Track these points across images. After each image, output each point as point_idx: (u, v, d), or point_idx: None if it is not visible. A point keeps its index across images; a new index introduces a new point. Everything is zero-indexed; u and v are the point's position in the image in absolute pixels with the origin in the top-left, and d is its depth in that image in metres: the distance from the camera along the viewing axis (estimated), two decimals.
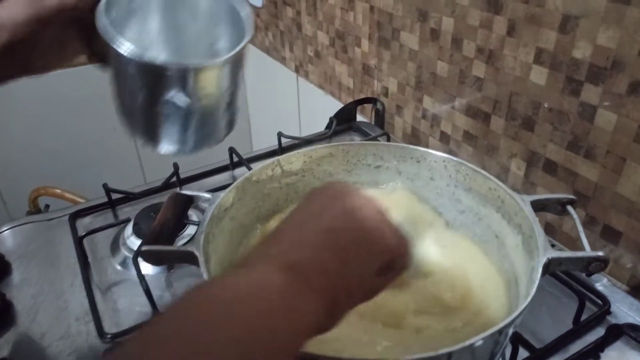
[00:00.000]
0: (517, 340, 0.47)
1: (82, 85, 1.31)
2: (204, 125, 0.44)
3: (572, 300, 0.55)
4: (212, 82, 0.41)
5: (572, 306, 0.54)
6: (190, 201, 0.49)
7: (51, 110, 1.31)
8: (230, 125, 0.47)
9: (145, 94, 0.41)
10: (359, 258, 0.31)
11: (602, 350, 0.50)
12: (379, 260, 0.32)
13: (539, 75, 0.61)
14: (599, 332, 0.52)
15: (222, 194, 0.48)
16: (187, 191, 0.50)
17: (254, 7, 1.33)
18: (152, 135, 0.44)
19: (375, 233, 0.32)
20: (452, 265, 0.48)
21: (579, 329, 0.52)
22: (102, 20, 0.39)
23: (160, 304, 0.56)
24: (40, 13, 0.37)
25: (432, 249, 0.51)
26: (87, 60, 0.47)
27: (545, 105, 0.61)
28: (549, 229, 0.64)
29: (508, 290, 0.45)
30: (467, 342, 0.33)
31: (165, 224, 0.46)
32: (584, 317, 0.53)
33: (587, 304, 0.54)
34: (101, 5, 0.40)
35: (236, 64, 0.42)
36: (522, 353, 0.48)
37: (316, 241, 0.31)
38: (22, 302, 0.59)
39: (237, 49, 0.40)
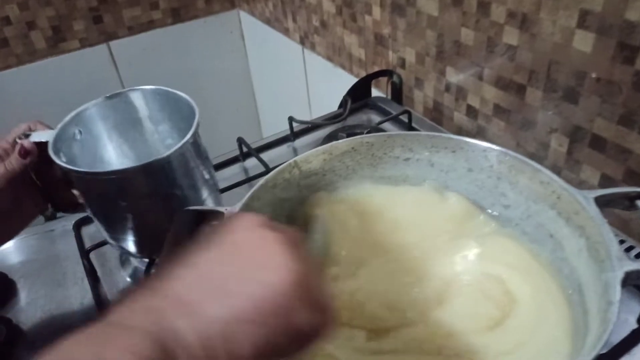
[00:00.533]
0: None
1: (77, 72, 1.25)
2: None
3: (634, 297, 0.50)
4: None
5: (633, 305, 0.49)
6: (201, 217, 0.44)
7: (45, 103, 1.25)
8: None
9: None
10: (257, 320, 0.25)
11: None
12: (284, 336, 0.26)
13: (583, 41, 0.53)
14: None
15: (237, 206, 0.43)
16: (197, 206, 0.44)
17: None
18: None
19: (282, 309, 0.26)
20: (494, 271, 0.42)
21: None
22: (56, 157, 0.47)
23: None
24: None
25: (468, 254, 0.46)
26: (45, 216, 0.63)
27: (593, 76, 0.54)
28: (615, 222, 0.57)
29: (568, 301, 0.39)
30: None
31: (175, 246, 0.41)
32: None
33: None
34: (50, 146, 0.48)
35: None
36: None
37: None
38: (29, 326, 0.55)
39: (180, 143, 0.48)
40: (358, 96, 0.87)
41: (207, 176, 0.55)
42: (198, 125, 0.50)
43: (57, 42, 1.23)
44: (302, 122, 0.79)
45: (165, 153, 0.47)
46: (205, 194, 0.55)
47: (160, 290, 0.26)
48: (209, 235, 0.29)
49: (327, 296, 0.29)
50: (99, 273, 0.60)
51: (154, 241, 0.44)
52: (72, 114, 0.53)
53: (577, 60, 0.55)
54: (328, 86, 1.11)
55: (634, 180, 0.55)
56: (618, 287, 0.32)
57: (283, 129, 0.81)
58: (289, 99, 1.32)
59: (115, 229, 0.53)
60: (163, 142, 0.60)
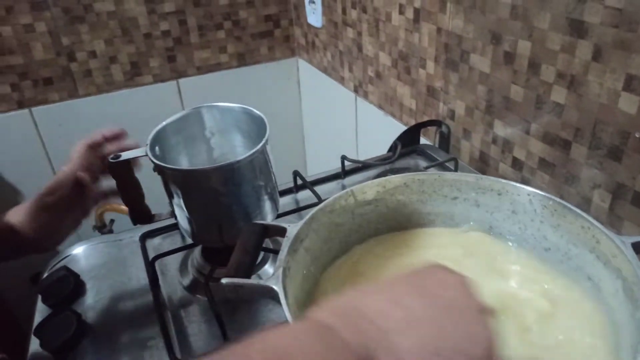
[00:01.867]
0: None
1: (147, 104, 1.36)
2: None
3: None
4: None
5: None
6: (265, 231, 0.49)
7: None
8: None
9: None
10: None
11: None
12: None
13: (628, 103, 0.57)
14: None
15: (299, 224, 0.48)
16: (262, 221, 0.49)
17: (312, 27, 1.34)
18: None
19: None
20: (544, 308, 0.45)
21: None
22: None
23: (230, 330, 0.56)
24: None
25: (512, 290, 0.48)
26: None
27: (637, 136, 0.57)
28: None
29: (607, 342, 0.41)
30: None
31: (244, 255, 0.45)
32: None
33: None
34: (149, 154, 0.57)
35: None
36: None
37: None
38: (96, 322, 0.61)
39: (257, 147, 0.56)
40: (407, 143, 0.92)
41: (270, 189, 0.61)
42: (268, 137, 0.57)
43: (134, 75, 1.35)
44: (353, 161, 0.84)
45: (243, 156, 0.54)
46: (267, 205, 0.61)
47: (367, 318, 0.28)
48: (417, 280, 0.32)
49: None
50: (160, 280, 0.66)
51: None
52: (154, 132, 0.60)
53: (622, 120, 0.58)
54: (377, 132, 1.17)
55: None
56: None
57: (332, 168, 0.86)
58: (337, 142, 1.39)
59: (194, 219, 0.60)
60: (234, 154, 0.68)
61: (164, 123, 0.62)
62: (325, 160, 0.89)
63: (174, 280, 0.66)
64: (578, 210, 0.46)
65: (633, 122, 0.57)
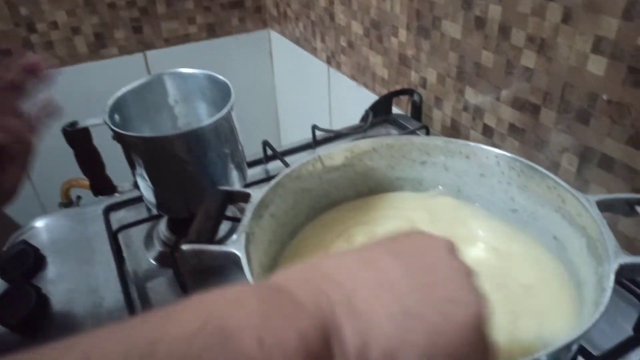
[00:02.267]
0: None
1: (113, 77, 1.31)
2: None
3: (631, 306, 0.52)
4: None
5: (631, 312, 0.50)
6: (229, 197, 0.48)
7: (81, 103, 1.32)
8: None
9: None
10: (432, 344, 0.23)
11: None
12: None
13: (597, 65, 0.57)
14: None
15: (263, 190, 0.46)
16: (226, 187, 0.48)
17: None
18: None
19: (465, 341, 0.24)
20: (507, 265, 0.45)
21: None
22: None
23: None
24: None
25: (482, 252, 0.48)
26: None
27: (604, 97, 0.57)
28: None
29: (570, 297, 0.42)
30: (532, 357, 0.30)
31: (206, 220, 0.44)
32: None
33: None
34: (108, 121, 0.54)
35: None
36: None
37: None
38: (57, 296, 0.59)
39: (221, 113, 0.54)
40: (379, 112, 0.91)
41: (237, 157, 0.59)
42: (233, 103, 0.55)
43: (98, 47, 1.30)
44: (325, 131, 0.83)
45: (207, 122, 0.52)
46: (234, 174, 0.59)
47: (332, 279, 0.25)
48: (394, 244, 0.28)
49: (493, 344, 0.26)
50: (125, 253, 0.64)
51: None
52: (113, 99, 0.58)
53: (590, 83, 0.58)
54: (350, 103, 1.16)
55: None
56: (612, 277, 0.34)
57: (304, 138, 0.84)
58: (310, 113, 1.37)
59: (159, 189, 0.58)
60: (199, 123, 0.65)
61: (124, 90, 0.59)
62: (299, 133, 0.87)
63: (140, 253, 0.65)
64: (544, 170, 0.45)
65: (601, 84, 0.57)
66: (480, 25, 0.71)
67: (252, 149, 0.81)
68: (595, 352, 0.47)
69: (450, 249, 0.28)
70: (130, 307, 0.56)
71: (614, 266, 0.35)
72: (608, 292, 0.33)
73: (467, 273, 0.27)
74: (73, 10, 1.23)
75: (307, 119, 1.40)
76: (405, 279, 0.25)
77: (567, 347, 0.31)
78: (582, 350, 0.47)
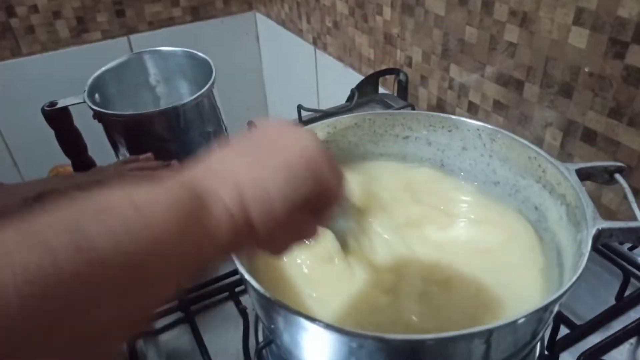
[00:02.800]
0: (557, 317, 0.45)
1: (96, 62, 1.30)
2: None
3: (613, 277, 0.52)
4: None
5: (613, 283, 0.51)
6: None
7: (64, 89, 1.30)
8: None
9: None
10: (284, 171, 0.28)
11: None
12: (308, 185, 0.29)
13: (578, 38, 0.57)
14: None
15: None
16: None
17: None
18: None
19: (310, 162, 0.29)
20: (485, 236, 0.45)
21: (623, 305, 0.49)
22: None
23: None
24: None
25: (462, 224, 0.49)
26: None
27: (586, 70, 0.57)
28: None
29: (548, 266, 0.42)
30: (511, 319, 0.30)
31: None
32: (627, 293, 0.50)
33: (632, 280, 0.51)
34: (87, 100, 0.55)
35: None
36: (562, 331, 0.46)
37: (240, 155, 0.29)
38: None
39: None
40: (365, 92, 0.90)
41: (220, 132, 0.59)
42: (214, 80, 0.54)
43: (81, 32, 1.28)
44: (310, 110, 0.82)
45: (188, 99, 0.51)
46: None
47: (196, 165, 0.28)
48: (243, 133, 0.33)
49: (341, 169, 0.31)
50: None
51: None
52: (92, 78, 0.57)
53: (572, 56, 0.58)
54: (337, 84, 1.15)
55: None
56: (590, 241, 0.35)
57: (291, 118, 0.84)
58: (298, 95, 1.36)
59: None
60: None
61: (103, 69, 0.58)
62: (287, 115, 0.86)
63: None
64: (525, 142, 0.46)
65: (583, 57, 0.57)
66: (464, 1, 0.70)
67: (239, 128, 0.81)
68: (578, 322, 0.48)
69: (285, 121, 0.32)
70: None
71: (592, 231, 0.35)
72: (586, 256, 0.34)
73: (302, 130, 0.31)
74: None
75: (294, 100, 1.39)
76: (253, 145, 0.30)
77: (545, 308, 0.32)
78: (565, 320, 0.47)
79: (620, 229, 0.36)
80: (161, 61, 0.62)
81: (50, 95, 1.08)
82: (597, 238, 0.36)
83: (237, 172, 0.28)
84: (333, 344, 0.34)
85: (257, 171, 0.28)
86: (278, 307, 0.33)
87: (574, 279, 0.32)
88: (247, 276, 0.34)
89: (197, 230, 0.25)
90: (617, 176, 0.42)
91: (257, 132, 0.32)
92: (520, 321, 0.31)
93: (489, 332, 0.31)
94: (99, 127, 0.60)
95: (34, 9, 1.20)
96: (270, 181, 0.27)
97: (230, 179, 0.27)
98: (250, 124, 0.79)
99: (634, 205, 0.38)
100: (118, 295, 0.21)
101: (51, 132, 1.05)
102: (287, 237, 0.31)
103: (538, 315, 0.33)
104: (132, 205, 0.23)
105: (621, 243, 0.56)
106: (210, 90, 0.54)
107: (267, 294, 0.33)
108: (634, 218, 0.37)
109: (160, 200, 0.24)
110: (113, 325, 0.22)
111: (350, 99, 0.88)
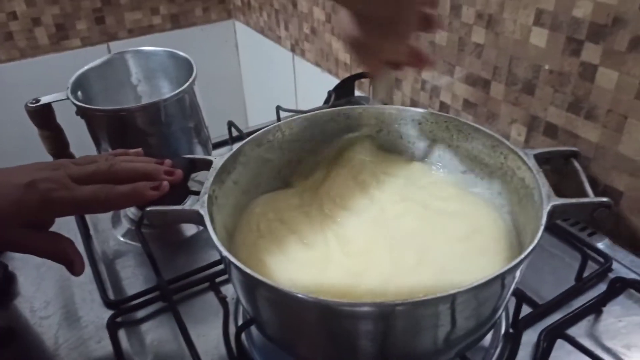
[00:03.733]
0: (521, 297, 0.48)
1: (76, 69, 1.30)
2: None
3: (574, 261, 0.55)
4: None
5: (574, 266, 0.54)
6: (193, 164, 0.49)
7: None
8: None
9: None
10: None
11: (605, 305, 0.50)
12: None
13: (539, 37, 0.61)
14: (601, 288, 0.52)
15: (225, 156, 0.48)
16: (190, 155, 0.49)
17: None
18: None
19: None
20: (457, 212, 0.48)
21: (582, 285, 0.52)
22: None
23: (165, 271, 0.56)
24: None
25: (432, 202, 0.51)
26: None
27: (546, 68, 0.61)
28: None
29: (509, 247, 0.45)
30: (471, 284, 0.33)
31: (170, 188, 0.45)
32: (586, 274, 0.53)
33: (590, 263, 0.54)
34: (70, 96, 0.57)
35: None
36: (525, 310, 0.49)
37: None
38: (25, 273, 0.59)
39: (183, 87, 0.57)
40: (342, 95, 0.93)
41: (201, 133, 0.61)
42: (195, 77, 0.56)
43: (60, 39, 1.29)
44: (288, 111, 0.85)
45: (169, 94, 0.53)
46: (198, 149, 0.61)
47: None
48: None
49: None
50: (92, 231, 0.65)
51: None
52: (75, 76, 0.59)
53: (534, 54, 0.62)
54: (315, 90, 1.18)
55: (581, 163, 0.61)
56: (544, 217, 0.38)
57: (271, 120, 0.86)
58: (277, 100, 1.38)
59: None
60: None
61: (86, 67, 0.60)
62: (266, 119, 0.89)
63: (107, 231, 0.65)
64: (488, 131, 0.49)
65: (543, 55, 0.61)
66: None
67: (218, 132, 0.83)
68: (540, 302, 0.51)
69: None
70: (98, 280, 0.57)
71: (548, 208, 0.38)
72: (541, 229, 0.37)
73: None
74: (33, 0, 1.21)
75: (273, 105, 1.42)
76: None
77: (503, 276, 0.34)
78: (528, 300, 0.50)
79: (573, 204, 0.39)
80: (143, 60, 0.63)
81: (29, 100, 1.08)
82: (551, 214, 0.39)
83: None
84: (309, 315, 0.36)
85: None
86: (256, 281, 0.35)
87: (530, 248, 0.35)
88: (225, 252, 0.36)
89: None
90: (572, 160, 0.45)
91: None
92: (480, 287, 0.33)
93: (452, 298, 0.33)
94: (79, 124, 0.61)
95: (13, 15, 1.21)
96: None
97: None
98: (229, 123, 0.81)
99: (586, 184, 0.41)
100: None
101: (30, 135, 1.05)
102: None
103: (497, 283, 0.35)
104: None
105: (576, 224, 0.60)
106: (191, 87, 0.56)
107: (246, 269, 0.35)
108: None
109: None
110: None
111: (327, 100, 0.91)
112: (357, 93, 0.97)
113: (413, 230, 0.49)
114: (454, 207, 0.51)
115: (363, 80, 0.96)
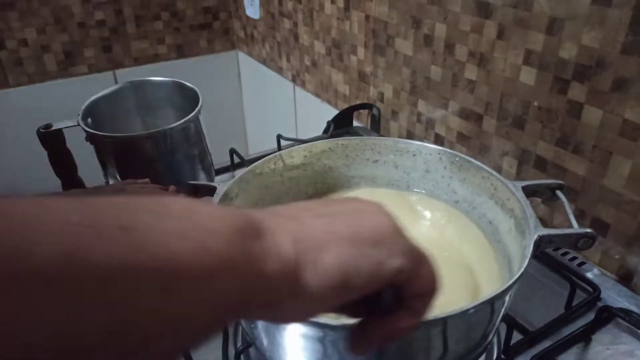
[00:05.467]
0: (512, 324, 0.49)
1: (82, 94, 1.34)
2: None
3: (564, 290, 0.57)
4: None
5: (563, 295, 0.56)
6: (197, 191, 0.51)
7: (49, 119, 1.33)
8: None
9: None
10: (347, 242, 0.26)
11: (593, 333, 0.52)
12: (384, 256, 0.26)
13: (528, 76, 0.64)
14: (589, 317, 0.54)
15: (228, 183, 0.50)
16: (194, 182, 0.52)
17: (251, 19, 1.37)
18: None
19: (385, 239, 0.27)
20: (449, 243, 0.50)
21: (571, 313, 0.54)
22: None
23: None
24: None
25: (426, 231, 0.53)
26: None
27: (535, 104, 0.64)
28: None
29: (500, 273, 0.47)
30: (462, 308, 0.35)
31: None
32: (575, 303, 0.55)
33: (579, 292, 0.56)
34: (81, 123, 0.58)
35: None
36: (516, 337, 0.51)
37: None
38: None
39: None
40: (341, 125, 0.96)
41: (205, 160, 0.63)
42: (201, 107, 0.59)
43: (68, 65, 1.32)
44: (289, 140, 0.88)
45: (176, 123, 0.56)
46: (202, 176, 0.63)
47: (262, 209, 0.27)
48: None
49: (422, 252, 0.28)
50: None
51: None
52: (86, 103, 0.62)
53: (523, 91, 0.65)
54: (315, 120, 1.21)
55: (569, 196, 0.63)
56: (531, 246, 0.40)
57: (271, 148, 0.89)
58: (277, 129, 1.42)
59: None
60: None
61: (97, 95, 0.63)
62: (267, 145, 0.92)
63: None
64: (479, 163, 0.51)
65: (532, 93, 0.64)
66: (429, 43, 0.78)
67: (220, 159, 0.85)
68: (531, 329, 0.52)
69: (379, 207, 0.29)
70: None
71: (534, 237, 0.41)
72: (527, 258, 0.39)
73: (384, 209, 0.29)
74: (43, 28, 1.26)
75: (274, 133, 1.46)
76: (326, 207, 0.28)
77: (492, 301, 0.36)
78: (520, 327, 0.52)
79: (557, 235, 0.41)
80: (151, 90, 0.66)
81: (36, 125, 1.11)
82: (538, 243, 0.41)
83: (301, 219, 0.26)
84: (308, 338, 0.38)
85: (321, 229, 0.26)
86: None
87: (518, 275, 0.37)
88: None
89: (245, 256, 0.22)
90: (558, 192, 0.47)
91: (338, 200, 0.31)
92: (470, 311, 0.35)
93: (443, 322, 0.35)
94: (87, 149, 0.63)
95: (24, 42, 1.25)
96: (332, 249, 0.25)
97: (290, 224, 0.25)
98: (231, 150, 0.84)
99: (571, 215, 0.43)
100: (151, 295, 0.19)
101: (36, 160, 1.08)
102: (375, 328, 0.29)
103: (487, 308, 0.37)
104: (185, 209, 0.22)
105: (558, 249, 0.62)
106: (196, 116, 0.59)
107: None
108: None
109: (215, 215, 0.22)
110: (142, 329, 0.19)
111: (326, 130, 0.94)
112: (355, 123, 1.00)
113: None
114: (447, 236, 0.53)
115: (361, 111, 1.00)
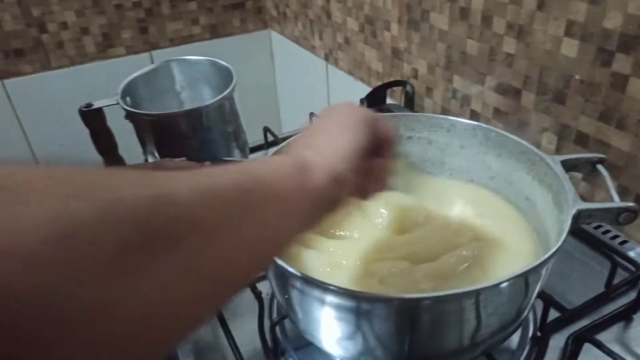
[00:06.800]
0: (548, 301, 0.49)
1: (120, 76, 1.37)
2: None
3: (603, 268, 0.56)
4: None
5: (603, 273, 0.55)
6: None
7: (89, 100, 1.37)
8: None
9: None
10: (348, 134, 0.35)
11: (635, 312, 0.51)
12: (367, 134, 0.36)
13: (569, 48, 0.62)
14: (630, 296, 0.53)
15: (266, 156, 0.51)
16: (229, 158, 0.53)
17: None
18: None
19: (365, 119, 0.37)
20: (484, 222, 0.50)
21: (611, 292, 0.53)
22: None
23: None
24: None
25: (464, 210, 0.53)
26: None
27: (577, 78, 0.62)
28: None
29: (536, 250, 0.46)
30: (495, 281, 0.34)
31: None
32: (615, 282, 0.54)
33: (620, 270, 0.55)
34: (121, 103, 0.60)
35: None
36: (553, 315, 0.50)
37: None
38: None
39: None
40: (374, 103, 0.96)
41: (239, 138, 0.64)
42: (235, 85, 0.60)
43: (106, 47, 1.36)
44: None
45: (211, 100, 0.57)
46: (236, 153, 0.64)
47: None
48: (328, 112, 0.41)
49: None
50: None
51: None
52: (124, 83, 0.63)
53: (564, 64, 0.63)
54: (347, 96, 1.21)
55: (612, 172, 0.61)
56: (569, 220, 0.39)
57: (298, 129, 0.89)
58: (310, 108, 1.42)
59: None
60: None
61: (134, 75, 0.64)
62: (299, 122, 0.92)
63: None
64: (516, 137, 0.50)
65: (574, 66, 0.62)
66: (465, 16, 0.76)
67: (254, 137, 0.86)
68: (569, 307, 0.51)
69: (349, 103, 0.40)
70: None
71: (573, 211, 0.40)
72: (565, 232, 0.38)
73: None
74: (82, 10, 1.29)
75: (306, 112, 1.46)
76: (323, 123, 0.38)
77: (527, 275, 0.36)
78: (556, 304, 0.51)
79: (597, 209, 0.40)
80: (187, 69, 0.67)
81: (78, 104, 1.14)
82: (577, 218, 0.40)
83: (319, 144, 0.35)
84: (342, 309, 0.38)
85: (331, 140, 0.35)
86: (290, 274, 0.38)
87: (554, 249, 0.36)
88: None
89: (306, 184, 0.30)
90: (599, 166, 0.46)
91: (324, 114, 0.39)
92: (503, 285, 0.35)
93: (476, 294, 0.35)
94: (127, 127, 0.65)
95: (64, 25, 1.28)
96: (341, 143, 0.35)
97: (316, 150, 0.34)
98: (265, 129, 0.84)
99: (612, 189, 0.42)
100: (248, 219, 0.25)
101: (78, 139, 1.12)
102: (366, 183, 0.38)
103: (520, 282, 0.37)
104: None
105: (598, 227, 0.60)
106: (231, 94, 0.60)
107: (280, 261, 0.37)
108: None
109: (272, 160, 0.32)
110: (238, 257, 0.25)
111: None
112: (388, 101, 0.99)
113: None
114: (481, 212, 0.53)
115: (395, 88, 0.98)
